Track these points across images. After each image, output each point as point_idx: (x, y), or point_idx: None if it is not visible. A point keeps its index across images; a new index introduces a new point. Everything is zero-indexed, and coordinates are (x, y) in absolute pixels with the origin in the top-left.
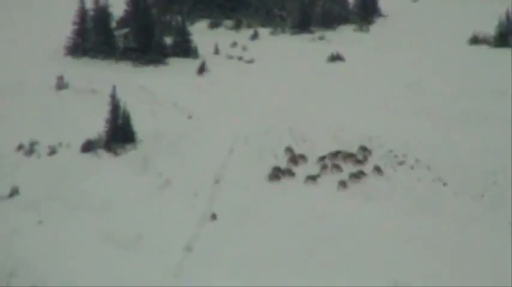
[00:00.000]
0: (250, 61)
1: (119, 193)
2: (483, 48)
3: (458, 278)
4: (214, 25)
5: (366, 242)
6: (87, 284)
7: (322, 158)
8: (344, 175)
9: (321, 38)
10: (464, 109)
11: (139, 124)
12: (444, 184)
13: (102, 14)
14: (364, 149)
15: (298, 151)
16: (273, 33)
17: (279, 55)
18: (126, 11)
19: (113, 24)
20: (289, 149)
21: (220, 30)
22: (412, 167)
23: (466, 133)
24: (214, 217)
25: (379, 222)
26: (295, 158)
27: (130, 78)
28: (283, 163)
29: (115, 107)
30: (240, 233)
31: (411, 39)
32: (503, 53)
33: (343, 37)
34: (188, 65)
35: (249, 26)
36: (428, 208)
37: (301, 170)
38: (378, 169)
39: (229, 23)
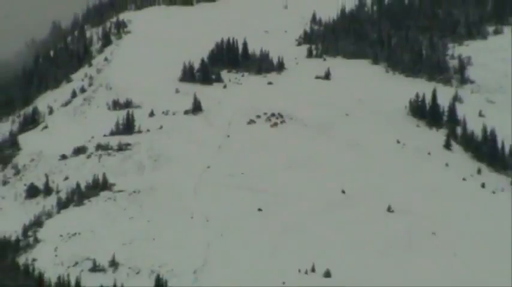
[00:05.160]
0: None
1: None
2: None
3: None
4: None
5: (279, 143)
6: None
7: (266, 116)
8: (272, 122)
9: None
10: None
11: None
12: (305, 126)
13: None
14: (280, 114)
15: (258, 113)
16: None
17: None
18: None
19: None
20: (270, 114)
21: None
22: (296, 121)
23: (312, 107)
24: (228, 136)
25: (284, 138)
26: (257, 117)
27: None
28: (252, 118)
29: (195, 100)
30: (237, 139)
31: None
32: None
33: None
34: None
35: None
36: (302, 134)
37: (259, 120)
38: (283, 121)
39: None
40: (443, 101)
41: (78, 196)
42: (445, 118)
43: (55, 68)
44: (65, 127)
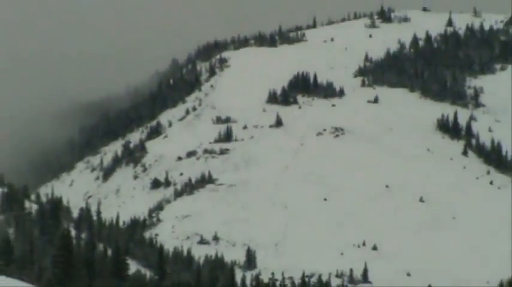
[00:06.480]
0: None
1: (278, 138)
2: None
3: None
4: None
5: (339, 150)
6: None
7: (331, 129)
8: (335, 134)
9: None
10: None
11: None
12: (359, 137)
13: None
14: (341, 128)
15: (324, 127)
16: None
17: None
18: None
19: None
20: (333, 128)
21: None
22: (353, 133)
23: (365, 123)
24: (302, 144)
25: (344, 146)
26: (323, 130)
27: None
28: (320, 131)
29: (277, 117)
30: (308, 146)
31: None
32: None
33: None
34: None
35: None
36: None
37: (325, 132)
38: (343, 133)
39: None
40: (462, 120)
41: (190, 188)
42: (463, 133)
43: (173, 92)
44: (180, 136)
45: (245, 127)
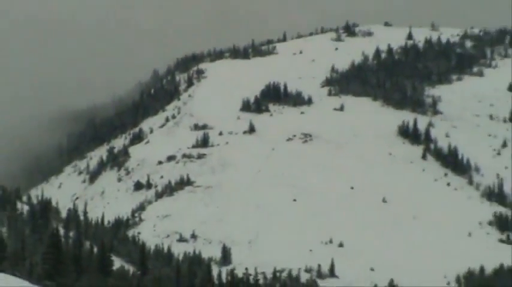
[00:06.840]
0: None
1: (251, 143)
2: None
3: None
4: None
5: (308, 155)
6: None
7: (300, 135)
8: (304, 140)
9: None
10: None
11: None
12: (326, 142)
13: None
14: (309, 134)
15: (294, 133)
16: None
17: None
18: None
19: None
20: (302, 134)
21: None
22: (320, 139)
23: (331, 130)
24: (273, 149)
25: (312, 151)
26: (293, 135)
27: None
28: (290, 136)
29: (250, 124)
30: (279, 151)
31: None
32: None
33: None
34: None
35: None
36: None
37: (294, 138)
38: (311, 139)
39: None
40: (421, 126)
41: (170, 189)
42: (422, 138)
43: (154, 102)
44: (161, 142)
45: (221, 133)
